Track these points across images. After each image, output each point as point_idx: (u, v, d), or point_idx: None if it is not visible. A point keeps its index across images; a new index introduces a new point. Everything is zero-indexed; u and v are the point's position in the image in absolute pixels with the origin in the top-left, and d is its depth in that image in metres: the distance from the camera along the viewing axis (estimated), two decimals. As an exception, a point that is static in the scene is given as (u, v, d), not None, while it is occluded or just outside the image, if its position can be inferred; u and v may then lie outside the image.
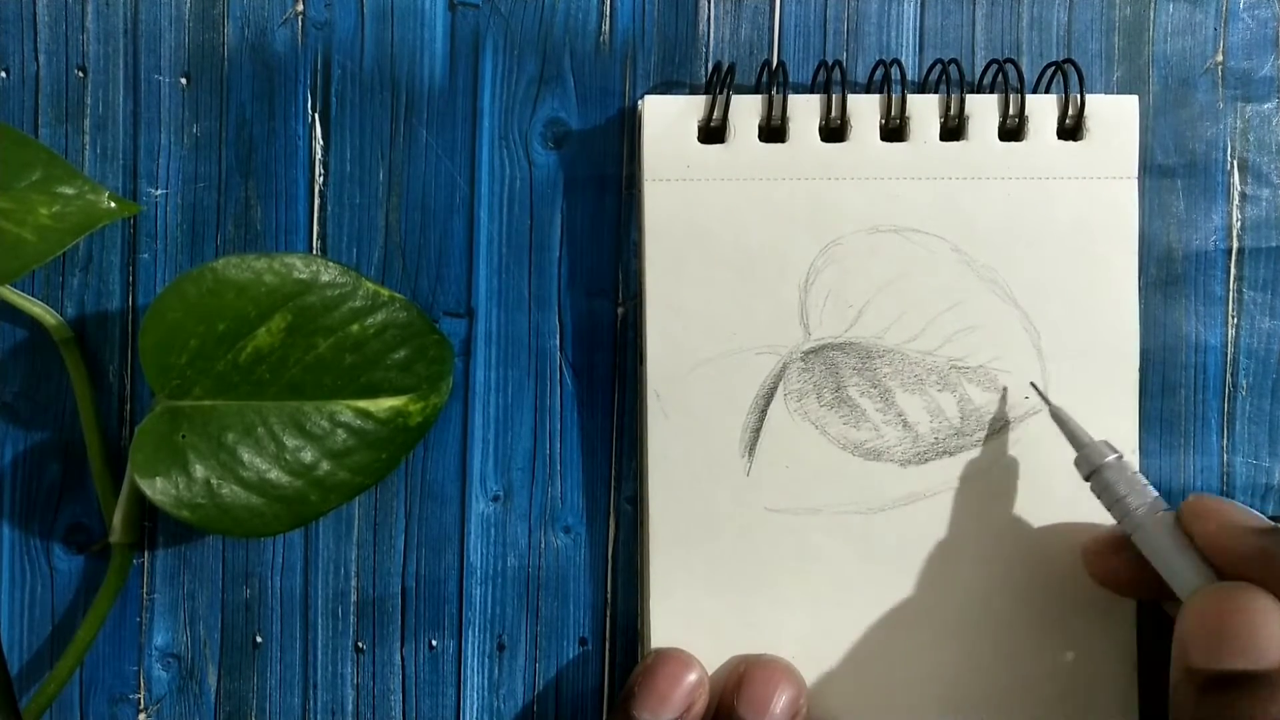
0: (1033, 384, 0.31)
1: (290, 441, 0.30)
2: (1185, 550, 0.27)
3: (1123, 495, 0.28)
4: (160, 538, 0.33)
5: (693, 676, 0.30)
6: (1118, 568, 0.29)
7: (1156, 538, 0.28)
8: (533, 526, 0.33)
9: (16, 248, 0.29)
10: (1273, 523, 0.26)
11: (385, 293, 0.31)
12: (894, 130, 0.32)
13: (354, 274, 0.31)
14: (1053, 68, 0.32)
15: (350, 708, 0.33)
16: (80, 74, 0.33)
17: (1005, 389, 0.32)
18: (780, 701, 0.30)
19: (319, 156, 0.33)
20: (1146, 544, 0.28)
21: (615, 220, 0.33)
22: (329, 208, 0.33)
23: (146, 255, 0.33)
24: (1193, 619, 0.25)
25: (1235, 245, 0.33)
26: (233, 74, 0.33)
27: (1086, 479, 0.30)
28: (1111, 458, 0.29)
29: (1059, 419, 0.30)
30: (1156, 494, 0.29)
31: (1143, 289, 0.33)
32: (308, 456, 0.30)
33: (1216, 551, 0.26)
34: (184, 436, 0.30)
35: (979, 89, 0.33)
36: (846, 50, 0.33)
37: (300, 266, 0.30)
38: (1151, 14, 0.34)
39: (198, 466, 0.29)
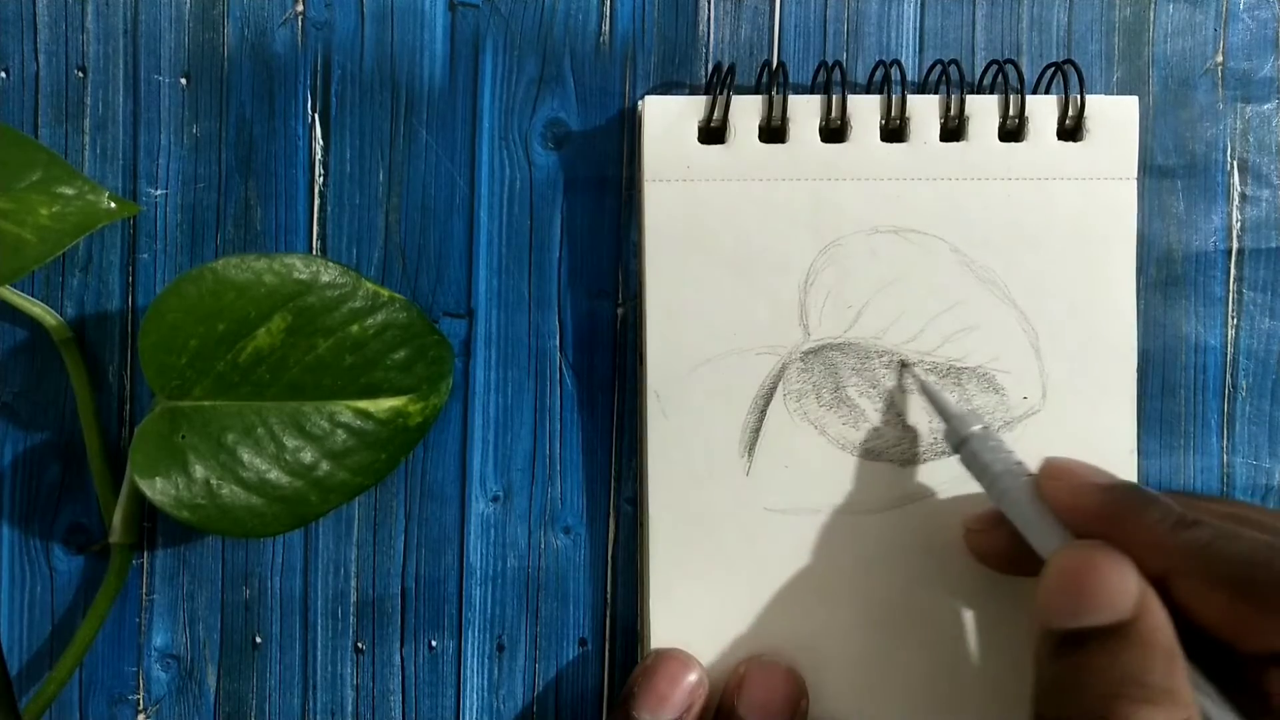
0: (901, 361, 0.31)
1: (290, 442, 0.30)
2: (1044, 514, 0.27)
3: (987, 463, 0.29)
4: (160, 538, 0.33)
5: (693, 677, 0.30)
6: (994, 543, 0.29)
7: (1018, 504, 0.28)
8: (532, 527, 0.33)
9: (16, 248, 0.29)
10: (1120, 479, 0.27)
11: (385, 293, 0.31)
12: (894, 131, 0.32)
13: (354, 274, 0.31)
14: (1053, 68, 0.32)
15: (350, 708, 0.33)
16: (80, 74, 0.33)
17: (1004, 389, 0.32)
18: (780, 702, 0.30)
19: (319, 157, 0.33)
20: (1010, 511, 0.28)
21: (615, 221, 0.33)
22: (329, 208, 0.33)
23: (146, 255, 0.33)
24: (1048, 579, 0.25)
25: (1235, 246, 0.33)
26: (233, 74, 0.33)
27: (955, 451, 0.30)
28: (977, 428, 0.29)
29: (927, 392, 0.31)
30: (1020, 461, 0.29)
31: (1142, 289, 0.33)
32: (307, 457, 0.30)
33: (1070, 511, 0.27)
34: (184, 437, 0.30)
35: (979, 90, 0.33)
36: (847, 51, 0.33)
37: (300, 267, 0.30)
38: (1151, 15, 0.34)
39: (197, 467, 0.29)
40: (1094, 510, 0.26)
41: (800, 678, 0.31)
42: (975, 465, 0.29)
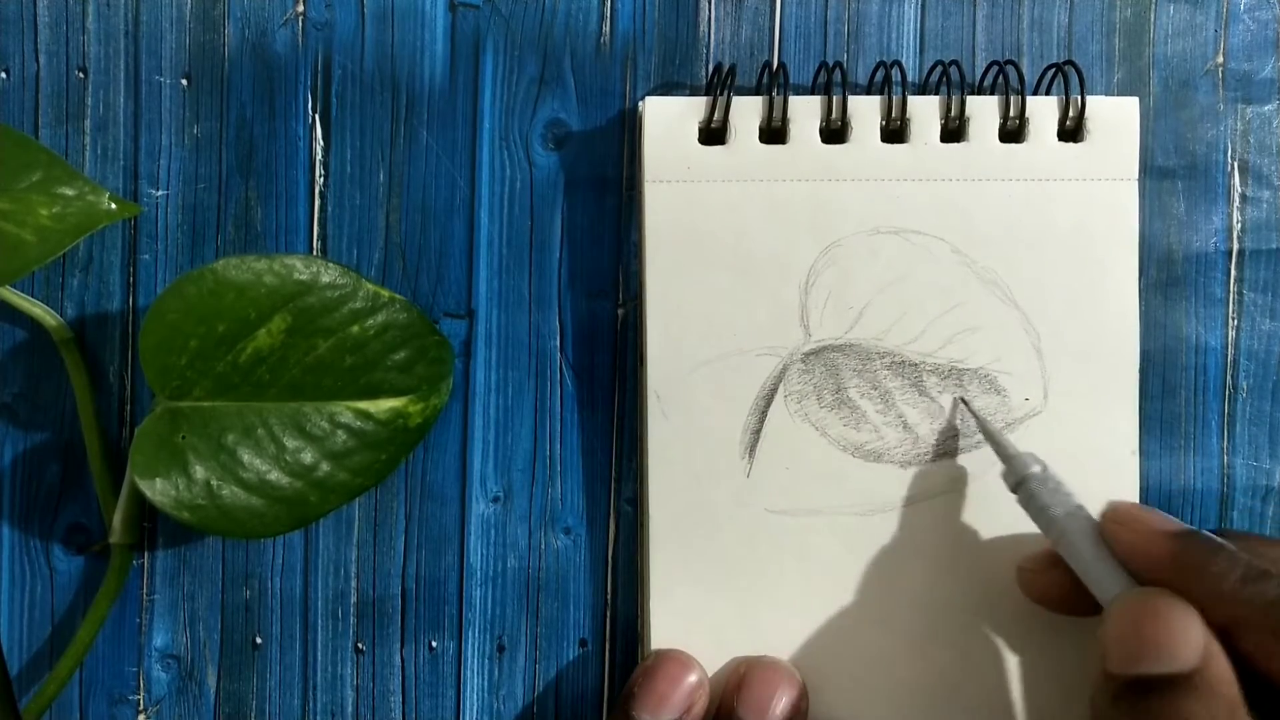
0: (961, 399, 0.31)
1: (290, 443, 0.30)
2: (1105, 558, 0.27)
3: (1046, 505, 0.28)
4: (160, 539, 0.33)
5: (693, 677, 0.30)
6: (1049, 585, 0.29)
7: (1079, 548, 0.28)
8: (533, 527, 0.33)
9: (17, 248, 0.29)
10: (1188, 526, 0.26)
11: (385, 294, 0.31)
12: (894, 132, 0.32)
13: (354, 275, 0.31)
14: (1053, 69, 0.32)
15: (350, 709, 0.33)
16: (81, 75, 0.33)
17: (1005, 390, 0.32)
18: (781, 703, 0.30)
19: (319, 157, 0.33)
20: (1069, 553, 0.28)
21: (616, 221, 0.33)
22: (329, 208, 0.33)
23: (147, 256, 0.33)
24: (1110, 625, 0.25)
25: (1235, 247, 0.33)
26: (233, 75, 0.33)
27: (1013, 491, 0.30)
28: (1036, 469, 0.29)
29: (985, 431, 0.31)
30: (1079, 504, 0.28)
31: (1142, 290, 0.33)
32: (308, 457, 0.30)
33: (1135, 557, 0.26)
34: (184, 437, 0.30)
35: (979, 91, 0.33)
36: (847, 52, 0.33)
37: (300, 267, 0.30)
38: (1152, 16, 0.34)
39: (198, 467, 0.29)
40: (1160, 558, 0.26)
41: (800, 678, 0.31)
42: (1033, 507, 0.29)
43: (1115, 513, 0.27)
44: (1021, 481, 0.29)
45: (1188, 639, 0.24)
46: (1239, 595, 0.24)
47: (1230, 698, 0.23)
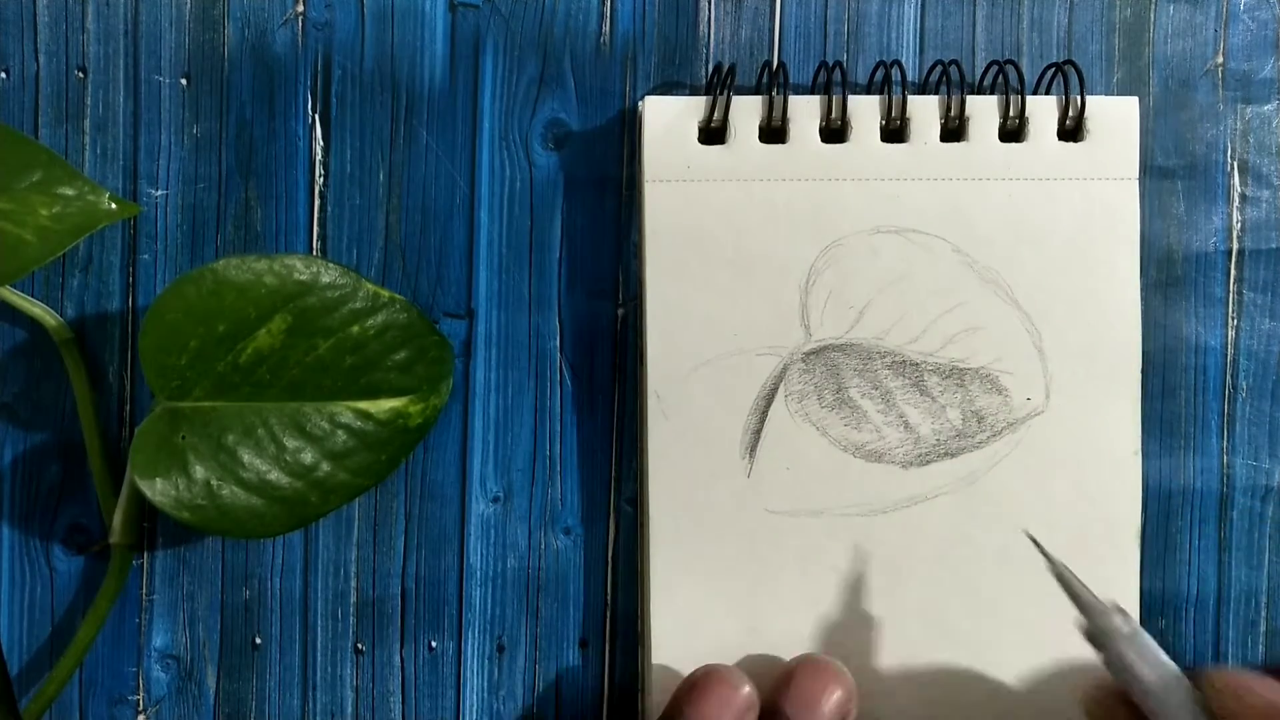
0: (1030, 535, 0.30)
1: (290, 443, 0.30)
2: None
3: (1140, 674, 0.26)
4: (160, 539, 0.33)
5: (743, 694, 0.29)
6: (1117, 717, 0.27)
7: (1176, 714, 0.25)
8: (533, 528, 0.33)
9: (17, 249, 0.29)
10: None
11: (385, 294, 0.31)
12: (894, 131, 0.32)
13: (354, 275, 0.31)
14: (1053, 69, 0.32)
15: (350, 709, 0.33)
16: (80, 75, 0.33)
17: (1007, 390, 0.32)
18: (829, 702, 0.29)
19: (319, 157, 0.33)
20: (1163, 716, 0.26)
21: (615, 221, 0.33)
22: (329, 209, 0.33)
23: (146, 256, 0.33)
24: None
25: (1235, 247, 0.33)
26: (233, 75, 0.33)
27: (1094, 646, 0.27)
28: (1125, 628, 0.27)
29: (1064, 582, 0.28)
30: (1176, 670, 0.26)
31: (1143, 290, 0.33)
32: (308, 458, 0.30)
33: None
34: (184, 438, 0.30)
35: (979, 90, 0.33)
36: (847, 51, 0.33)
37: (300, 268, 0.30)
38: (1152, 16, 0.34)
39: (198, 468, 0.29)
40: None
41: (849, 678, 0.30)
42: (1122, 670, 0.27)
43: (1218, 681, 0.25)
44: (1107, 639, 0.27)
45: None
46: None
47: None
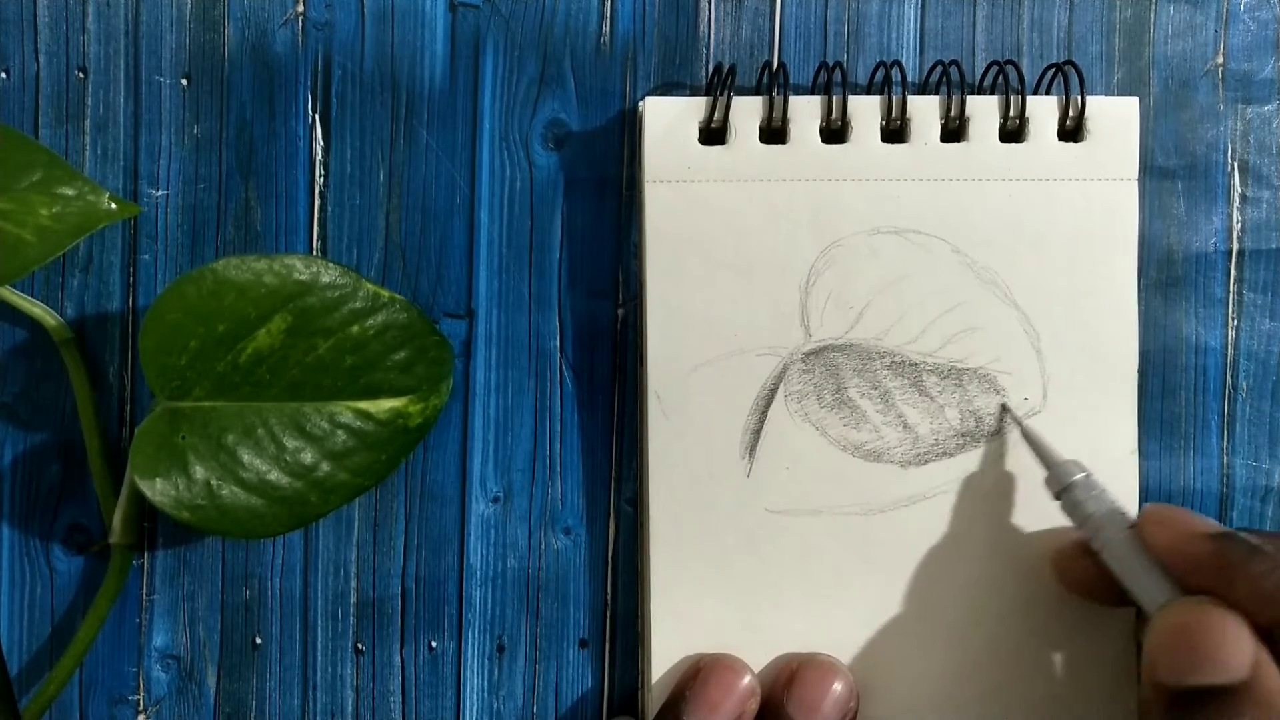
0: (1003, 405, 0.32)
1: (290, 443, 0.30)
2: (1148, 564, 0.27)
3: (1089, 511, 0.29)
4: (160, 539, 0.33)
5: (745, 683, 0.30)
6: (1086, 575, 0.29)
7: (1120, 553, 0.28)
8: (533, 528, 0.33)
9: (17, 248, 0.29)
10: (1224, 527, 0.26)
11: (385, 294, 0.31)
12: (895, 132, 0.32)
13: (354, 275, 0.31)
14: (1053, 69, 0.32)
15: (350, 709, 0.33)
16: (81, 75, 0.33)
17: (1005, 390, 0.32)
18: (831, 702, 0.29)
19: (319, 157, 0.33)
20: (1112, 559, 0.28)
21: (616, 221, 0.33)
22: (329, 209, 0.33)
23: (147, 256, 0.33)
24: (1159, 635, 0.25)
25: (1235, 247, 0.33)
26: (233, 75, 0.33)
27: (1056, 497, 0.30)
28: (1079, 476, 0.29)
29: (1030, 438, 0.31)
30: (1122, 509, 0.29)
31: (1143, 290, 0.33)
32: (308, 458, 0.30)
33: (1175, 560, 0.26)
34: (184, 438, 0.30)
35: (979, 90, 0.33)
36: (847, 51, 0.33)
37: (300, 268, 0.30)
38: (1152, 16, 0.34)
39: (198, 468, 0.29)
40: (1200, 559, 0.26)
41: (851, 678, 0.30)
42: (1077, 513, 0.29)
43: (1154, 514, 0.27)
44: (1065, 489, 0.29)
45: (1238, 649, 0.24)
46: (1278, 595, 0.24)
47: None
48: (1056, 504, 0.30)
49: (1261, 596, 0.24)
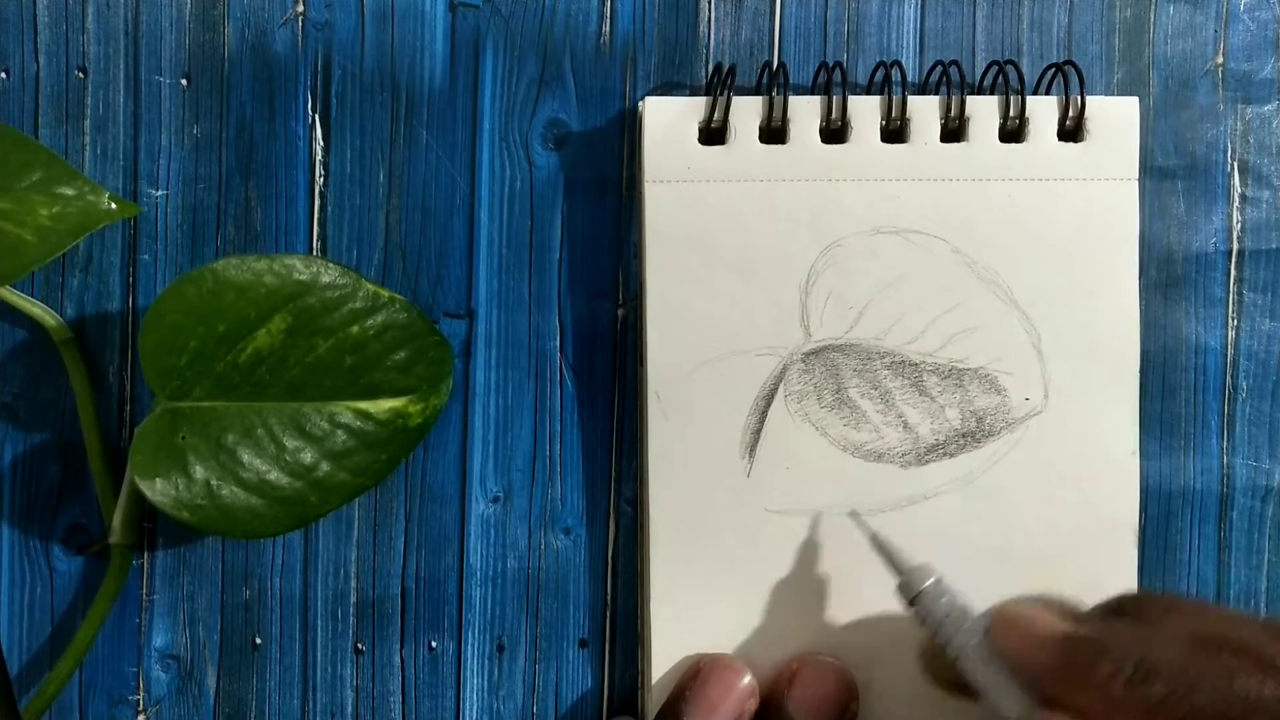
0: (853, 512, 0.31)
1: (290, 443, 0.30)
2: (998, 674, 0.26)
3: (940, 618, 0.28)
4: (160, 539, 0.33)
5: (744, 683, 0.30)
6: (951, 677, 0.28)
7: (972, 662, 0.27)
8: (532, 528, 0.33)
9: (16, 248, 0.29)
10: (1075, 625, 0.25)
11: (385, 294, 0.31)
12: (895, 132, 0.32)
13: (354, 275, 0.31)
14: (1053, 69, 0.32)
15: (350, 709, 0.33)
16: (80, 75, 0.33)
17: (1005, 390, 0.32)
18: (831, 702, 0.29)
19: (319, 157, 0.33)
20: (966, 668, 0.27)
21: (615, 222, 0.33)
22: (329, 209, 0.33)
23: (146, 256, 0.33)
24: None
25: (1235, 247, 0.33)
26: (233, 75, 0.33)
27: (909, 604, 0.29)
28: (929, 582, 0.28)
29: (878, 545, 0.30)
30: (973, 613, 0.27)
31: (1143, 290, 0.33)
32: (308, 458, 0.30)
33: (1025, 667, 0.25)
34: (184, 438, 0.30)
35: (979, 90, 0.33)
36: (847, 52, 0.33)
37: (300, 268, 0.30)
38: (1152, 16, 0.34)
39: (197, 468, 0.29)
40: (1049, 665, 0.25)
41: (852, 678, 0.30)
42: (929, 620, 0.28)
43: (1003, 619, 0.26)
44: (916, 596, 0.28)
45: None
46: (1127, 700, 0.23)
47: None
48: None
49: (1108, 703, 0.24)
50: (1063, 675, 0.25)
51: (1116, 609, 0.27)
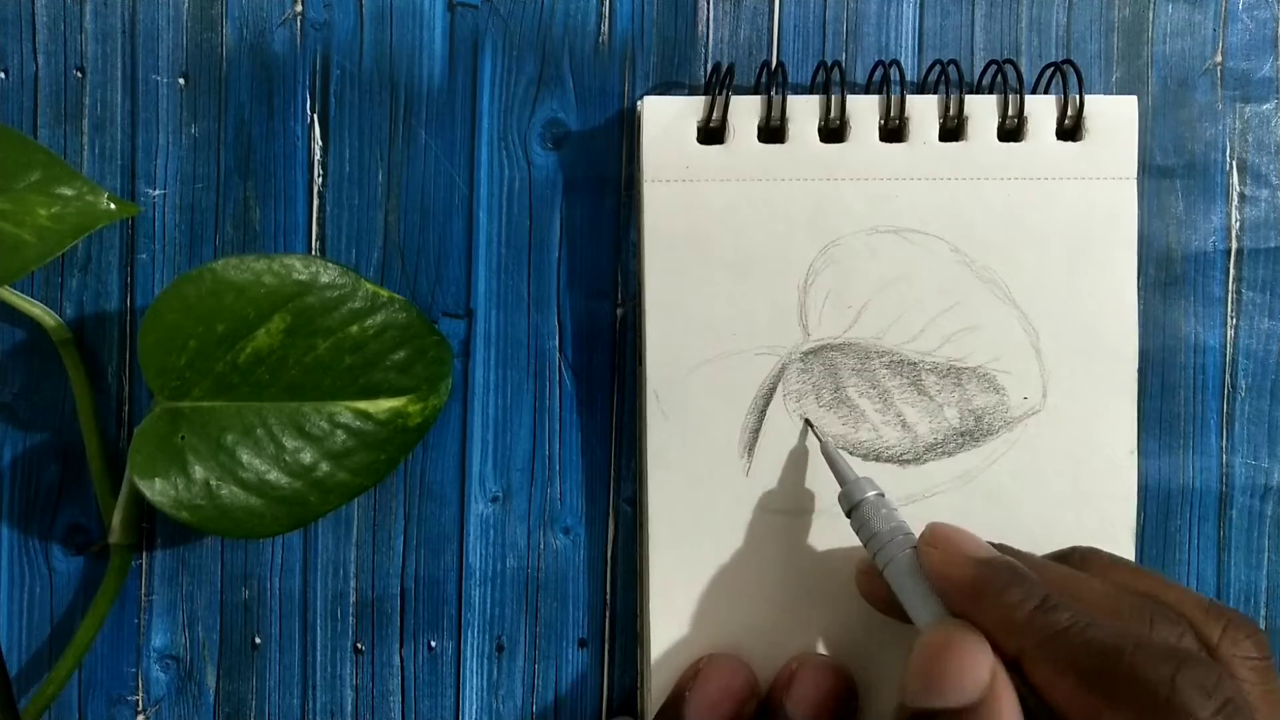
0: (806, 420, 0.31)
1: (289, 443, 0.30)
2: (919, 586, 0.27)
3: (874, 530, 0.28)
4: (159, 539, 0.33)
5: (744, 682, 0.30)
6: (878, 591, 0.29)
7: (897, 573, 0.27)
8: (532, 527, 0.33)
9: (16, 249, 0.29)
10: (996, 551, 0.26)
11: (384, 294, 0.31)
12: (893, 131, 0.32)
13: (353, 275, 0.31)
14: (1052, 68, 0.32)
15: (349, 709, 0.33)
16: (79, 74, 0.33)
17: (1004, 389, 0.32)
18: (831, 702, 0.29)
19: (318, 157, 0.33)
20: (891, 579, 0.28)
21: (614, 221, 0.33)
22: (328, 208, 0.33)
23: (145, 256, 0.33)
24: (911, 658, 0.25)
25: (1234, 246, 0.33)
26: (231, 74, 0.33)
27: (848, 515, 0.29)
28: (870, 494, 0.29)
29: (827, 455, 0.30)
30: (907, 530, 0.28)
31: (1142, 289, 0.33)
32: (307, 458, 0.30)
33: (942, 582, 0.26)
34: (183, 438, 0.30)
35: (978, 90, 0.33)
36: (846, 51, 0.33)
37: (299, 267, 0.30)
38: (1150, 15, 0.34)
39: (197, 468, 0.29)
40: (963, 583, 0.26)
41: (851, 678, 0.30)
42: (864, 530, 0.29)
43: (930, 535, 0.27)
44: (854, 506, 0.29)
45: (972, 673, 0.24)
46: (1029, 625, 0.24)
47: None
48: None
49: (1011, 624, 0.24)
50: (973, 593, 0.25)
51: (1062, 557, 0.28)
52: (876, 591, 0.29)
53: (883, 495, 0.29)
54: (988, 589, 0.25)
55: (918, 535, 0.28)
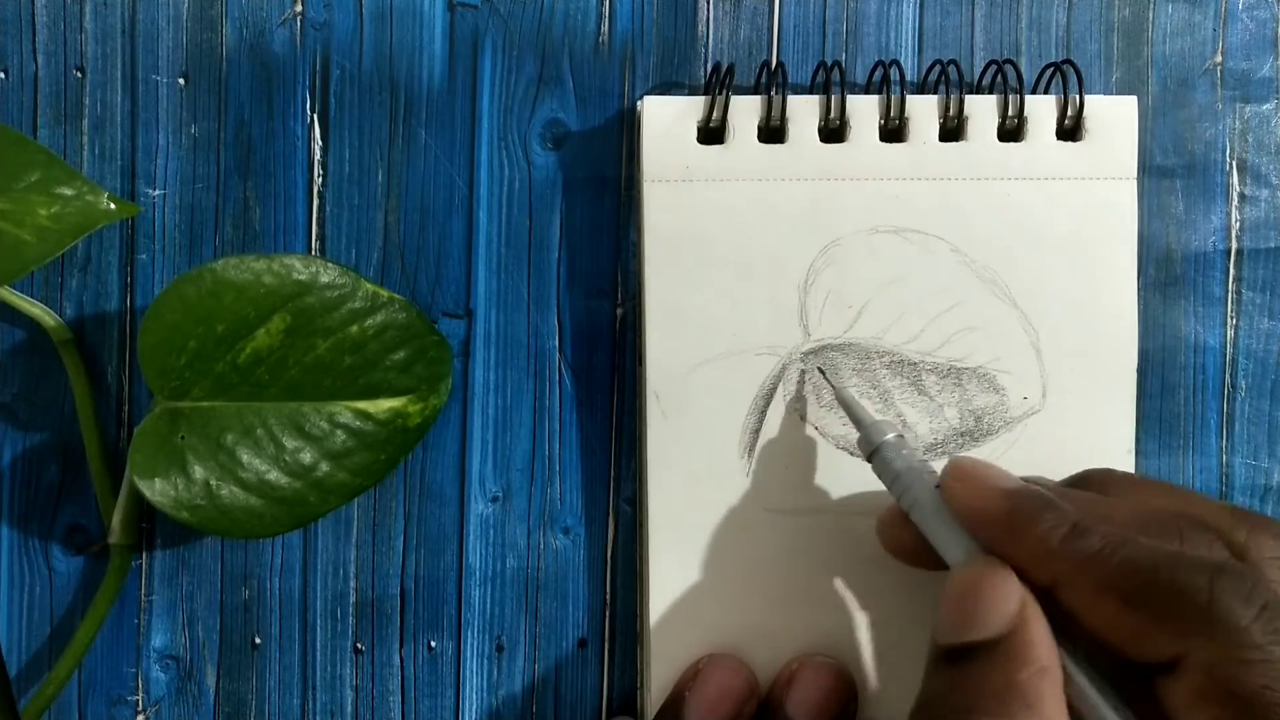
0: (820, 369, 0.31)
1: (289, 443, 0.30)
2: (949, 523, 0.26)
3: (897, 471, 0.28)
4: (159, 539, 0.33)
5: (743, 683, 0.30)
6: (904, 540, 0.28)
7: (924, 511, 0.27)
8: (532, 527, 0.33)
9: (15, 249, 0.29)
10: (1023, 483, 0.26)
11: (384, 294, 0.31)
12: (893, 131, 0.32)
13: (353, 275, 0.31)
14: (1052, 68, 0.32)
15: (349, 709, 0.33)
16: (78, 74, 0.33)
17: (1004, 389, 0.32)
18: (831, 703, 0.29)
19: (318, 157, 0.33)
20: (919, 519, 0.27)
21: (614, 221, 0.33)
22: (328, 208, 0.33)
23: (145, 256, 0.33)
24: (943, 596, 0.25)
25: (1234, 246, 0.33)
26: (231, 74, 0.33)
27: (868, 460, 0.29)
28: (890, 436, 0.29)
29: (843, 400, 0.30)
30: (930, 468, 0.28)
31: (1142, 289, 0.33)
32: (307, 458, 0.30)
33: (971, 516, 0.26)
34: (183, 438, 0.30)
35: (978, 90, 0.33)
36: (846, 51, 0.33)
37: (299, 267, 0.30)
38: (1150, 15, 0.34)
39: (197, 468, 0.29)
40: (994, 514, 0.25)
41: (851, 678, 0.30)
42: (886, 474, 0.28)
43: (956, 469, 0.27)
44: (875, 449, 0.29)
45: (1003, 605, 0.24)
46: (1061, 551, 0.24)
47: (1040, 661, 0.23)
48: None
49: (1044, 553, 0.24)
50: (1005, 526, 0.25)
51: (1077, 482, 0.28)
52: (900, 541, 0.29)
53: (903, 436, 0.29)
54: (1018, 519, 0.25)
55: (936, 474, 0.27)
